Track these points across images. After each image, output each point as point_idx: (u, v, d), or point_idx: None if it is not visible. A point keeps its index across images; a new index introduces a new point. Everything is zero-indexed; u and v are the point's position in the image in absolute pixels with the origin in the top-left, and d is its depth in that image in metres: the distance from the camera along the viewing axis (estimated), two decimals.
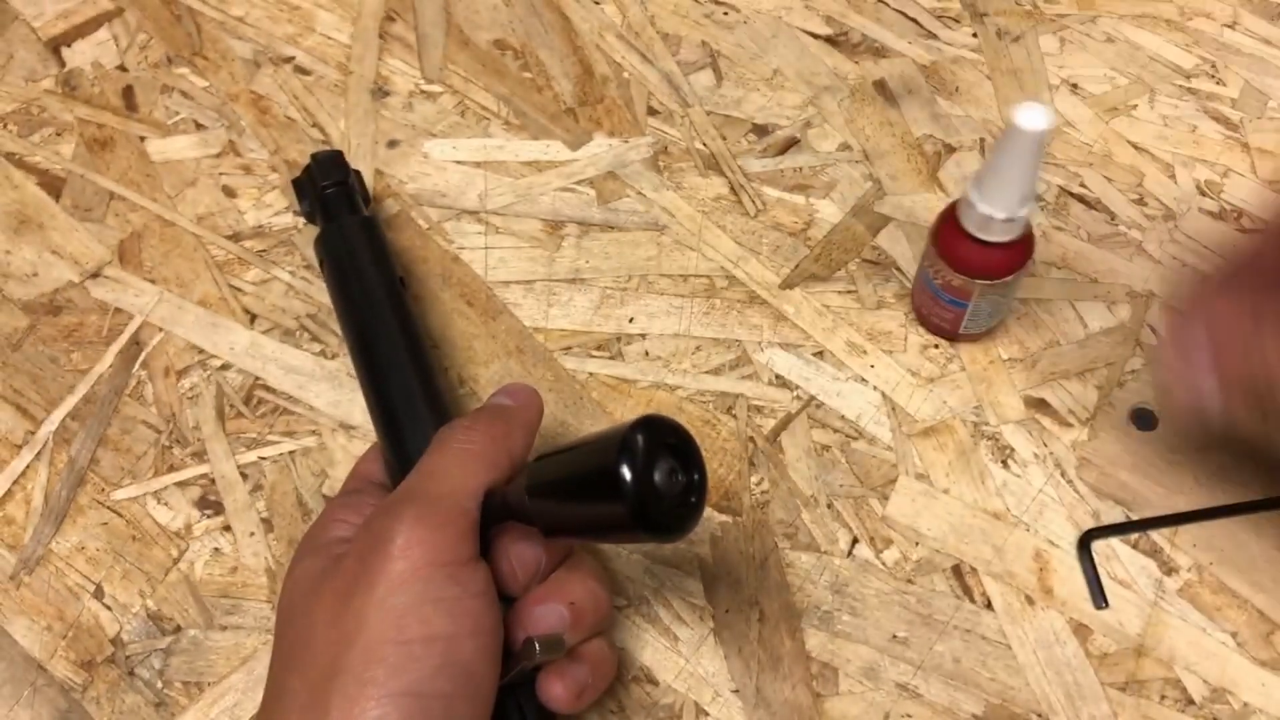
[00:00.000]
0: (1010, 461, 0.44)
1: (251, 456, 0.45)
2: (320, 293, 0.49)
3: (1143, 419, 0.45)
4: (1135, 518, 0.42)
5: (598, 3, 0.58)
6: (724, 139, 0.53)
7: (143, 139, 0.54)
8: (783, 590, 0.41)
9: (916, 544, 0.42)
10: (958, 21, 0.57)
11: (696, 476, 0.31)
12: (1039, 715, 0.39)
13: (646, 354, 0.47)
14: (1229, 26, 0.57)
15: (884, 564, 0.42)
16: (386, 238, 0.46)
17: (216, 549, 0.43)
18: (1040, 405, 0.45)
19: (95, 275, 0.49)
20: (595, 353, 0.47)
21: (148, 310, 0.48)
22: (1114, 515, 0.42)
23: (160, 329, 0.48)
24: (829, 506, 0.43)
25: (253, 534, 0.43)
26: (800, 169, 0.52)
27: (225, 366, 0.47)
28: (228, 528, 0.43)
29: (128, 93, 0.55)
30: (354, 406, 0.46)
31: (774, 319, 0.48)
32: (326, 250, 0.45)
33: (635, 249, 0.50)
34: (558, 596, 0.35)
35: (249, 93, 0.55)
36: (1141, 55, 0.56)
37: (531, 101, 0.55)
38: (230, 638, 0.41)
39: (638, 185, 0.52)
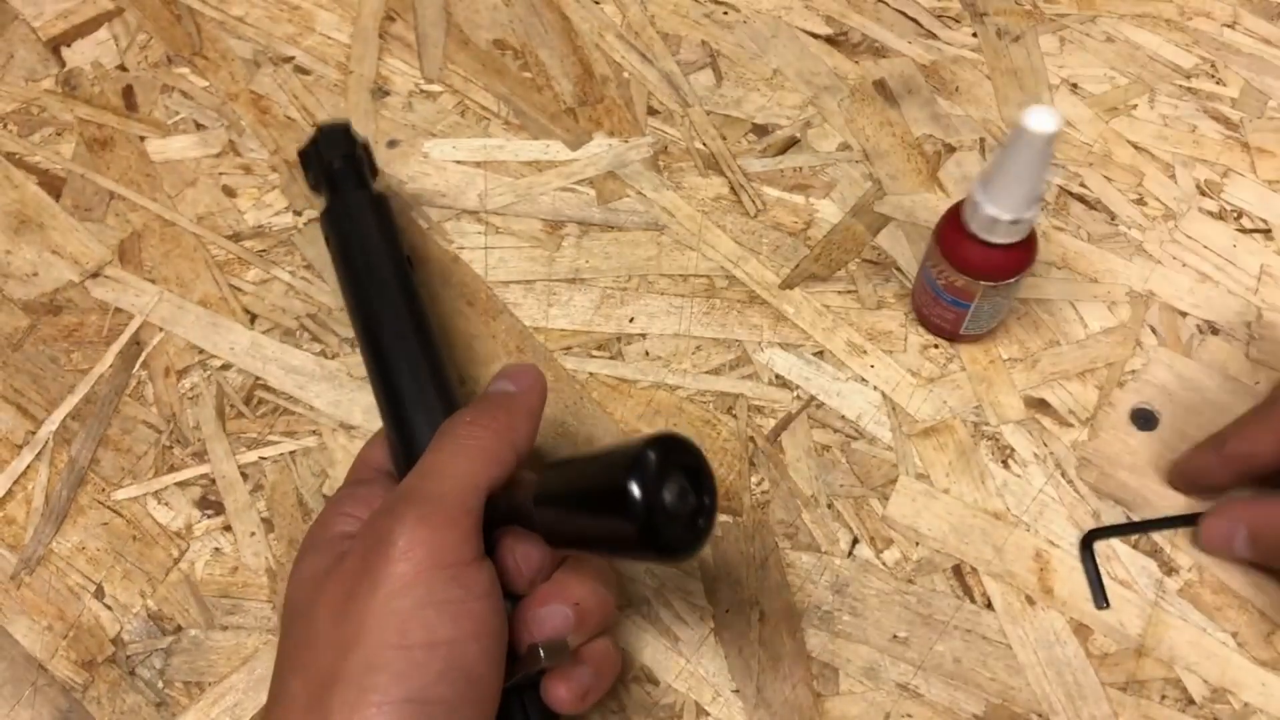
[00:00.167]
0: (1010, 461, 0.44)
1: (252, 456, 0.45)
2: (321, 292, 0.49)
3: (1143, 419, 0.45)
4: (1135, 518, 0.42)
5: (598, 3, 0.58)
6: (724, 139, 0.53)
7: (143, 139, 0.54)
8: (783, 590, 0.41)
9: (917, 544, 0.42)
10: (957, 21, 0.57)
11: (707, 500, 0.30)
12: (1039, 715, 0.39)
13: (647, 354, 0.47)
14: (1229, 26, 0.57)
15: (884, 564, 0.42)
16: (395, 214, 0.44)
17: (217, 549, 0.43)
18: (1040, 405, 0.45)
19: (95, 275, 0.49)
20: (595, 353, 0.47)
21: (148, 310, 0.48)
22: (1114, 515, 0.42)
23: (160, 329, 0.48)
24: (829, 506, 0.43)
25: (253, 534, 0.43)
26: (800, 169, 0.52)
27: (226, 366, 0.47)
28: (228, 528, 0.43)
29: (128, 92, 0.55)
30: (354, 406, 0.46)
31: (774, 319, 0.48)
32: (332, 226, 0.43)
33: (635, 249, 0.50)
34: (562, 597, 0.34)
35: (249, 92, 0.55)
36: (1141, 55, 0.56)
37: (531, 101, 0.55)
38: (231, 638, 0.41)
39: (638, 185, 0.52)
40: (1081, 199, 0.51)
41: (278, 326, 0.48)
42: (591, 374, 0.46)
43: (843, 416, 0.45)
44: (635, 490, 0.28)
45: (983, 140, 0.53)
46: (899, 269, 0.49)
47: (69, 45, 0.57)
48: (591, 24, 0.58)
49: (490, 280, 0.49)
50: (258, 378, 0.46)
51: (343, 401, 0.46)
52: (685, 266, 0.49)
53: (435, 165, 0.53)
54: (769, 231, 0.50)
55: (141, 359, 0.47)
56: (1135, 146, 0.52)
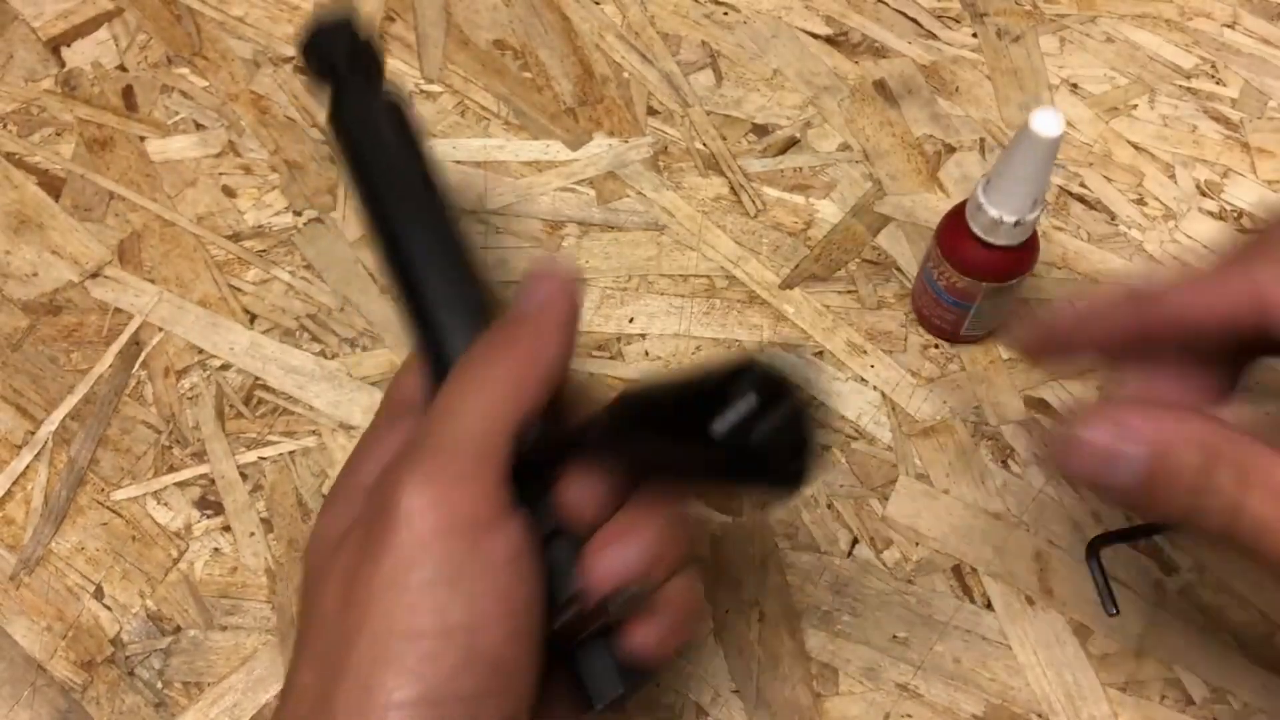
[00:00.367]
0: (1010, 462, 0.44)
1: (251, 457, 0.45)
2: (320, 293, 0.49)
3: None
4: (1137, 520, 0.42)
5: (598, 3, 0.58)
6: (724, 139, 0.53)
7: (142, 139, 0.54)
8: (783, 590, 0.41)
9: (917, 544, 0.42)
10: (958, 21, 0.57)
11: (805, 428, 0.26)
12: (1039, 715, 0.39)
13: (646, 354, 0.47)
14: (1229, 26, 0.57)
15: (884, 564, 0.42)
16: (412, 114, 0.39)
17: (216, 549, 0.43)
18: (1040, 405, 0.45)
19: (95, 275, 0.49)
20: (595, 353, 0.47)
21: (147, 310, 0.48)
22: (1114, 515, 0.42)
23: (160, 329, 0.48)
24: (829, 507, 0.43)
25: (252, 534, 0.43)
26: (800, 169, 0.52)
27: (225, 366, 0.47)
28: (227, 528, 0.43)
29: (127, 93, 0.55)
30: (354, 406, 0.46)
31: (774, 319, 0.48)
32: (341, 131, 0.38)
33: (635, 249, 0.50)
34: (632, 535, 0.29)
35: (249, 93, 0.55)
36: (1141, 55, 0.56)
37: (531, 101, 0.55)
38: (230, 638, 0.41)
39: (638, 185, 0.52)
40: (1081, 199, 0.51)
41: (277, 326, 0.48)
42: (591, 374, 0.46)
43: (842, 416, 0.45)
44: (729, 416, 0.24)
45: (983, 140, 0.53)
46: (899, 269, 0.49)
47: (69, 45, 0.57)
48: (591, 24, 0.58)
49: (490, 281, 0.49)
50: (257, 378, 0.46)
51: (342, 402, 0.46)
52: (685, 267, 0.49)
53: None
54: (769, 231, 0.50)
55: (141, 359, 0.47)
56: (1135, 147, 0.52)
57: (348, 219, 0.50)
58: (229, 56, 0.56)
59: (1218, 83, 0.55)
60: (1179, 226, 0.50)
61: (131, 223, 0.51)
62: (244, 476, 0.44)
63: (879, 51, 0.56)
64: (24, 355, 0.47)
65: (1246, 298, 0.26)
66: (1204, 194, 0.51)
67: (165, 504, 0.44)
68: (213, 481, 0.44)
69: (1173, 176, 0.51)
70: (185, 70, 0.56)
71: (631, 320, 0.48)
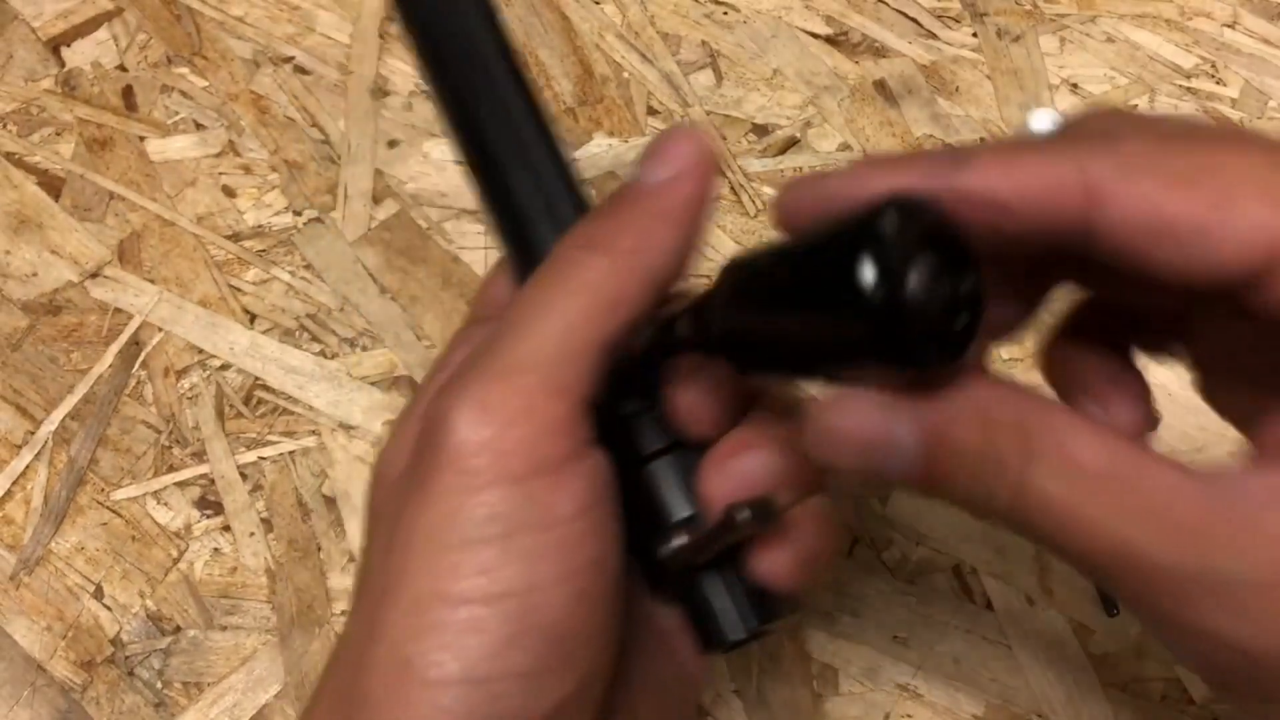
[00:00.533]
0: None
1: (251, 457, 0.45)
2: (320, 292, 0.49)
3: None
4: None
5: (597, 2, 0.58)
6: (724, 139, 0.53)
7: (142, 139, 0.53)
8: None
9: (917, 544, 0.42)
10: (958, 21, 0.57)
11: (971, 283, 0.20)
12: (1040, 715, 0.39)
13: None
14: (1229, 26, 0.57)
15: (884, 564, 0.42)
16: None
17: (216, 549, 0.43)
18: None
19: (95, 275, 0.49)
20: None
21: (147, 310, 0.48)
22: None
23: (160, 329, 0.48)
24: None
25: (252, 534, 0.43)
26: (800, 169, 0.52)
27: (225, 366, 0.47)
28: (227, 528, 0.43)
29: (127, 92, 0.55)
30: (354, 407, 0.46)
31: None
32: (410, 8, 0.32)
33: None
34: (765, 443, 0.25)
35: (249, 92, 0.55)
36: (1141, 55, 0.56)
37: None
38: (230, 638, 0.41)
39: None
40: None
41: (277, 326, 0.48)
42: None
43: None
44: (869, 270, 0.19)
45: (983, 140, 0.53)
46: None
47: (68, 45, 0.57)
48: (591, 24, 0.58)
49: None
50: (257, 378, 0.46)
51: (342, 401, 0.46)
52: None
53: (435, 165, 0.53)
54: (769, 232, 0.50)
55: (141, 359, 0.47)
56: None
57: (347, 219, 0.50)
58: (229, 56, 0.56)
59: (1218, 83, 0.55)
60: None
61: (131, 223, 0.51)
62: (244, 476, 0.44)
63: (879, 51, 0.56)
64: (24, 355, 0.47)
65: (1072, 187, 0.20)
66: None
67: (165, 504, 0.44)
68: (212, 481, 0.44)
69: None
70: (185, 70, 0.56)
71: None
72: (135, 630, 0.41)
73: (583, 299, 0.23)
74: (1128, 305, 0.25)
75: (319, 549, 0.43)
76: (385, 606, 0.22)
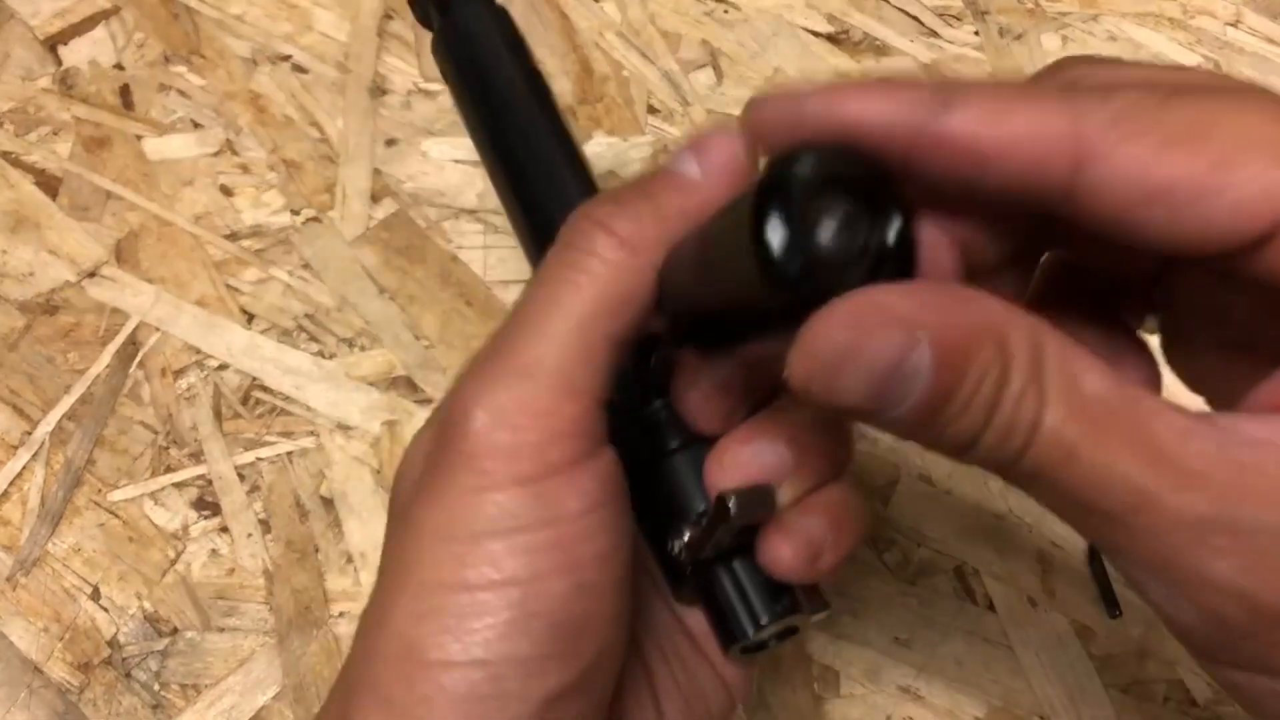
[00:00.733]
0: None
1: (249, 457, 0.44)
2: (319, 292, 0.48)
3: None
4: None
5: (597, 1, 0.58)
6: None
7: (140, 138, 0.53)
8: None
9: (919, 545, 0.42)
10: (959, 20, 0.57)
11: (895, 232, 0.19)
12: (1042, 717, 0.38)
13: None
14: (1232, 25, 0.56)
15: (886, 565, 0.41)
16: (519, 29, 0.37)
17: (214, 550, 0.42)
18: None
19: (92, 275, 0.49)
20: None
21: (145, 310, 0.48)
22: None
23: (157, 329, 0.48)
24: None
25: (250, 535, 0.43)
26: None
27: (222, 367, 0.47)
28: (225, 529, 0.43)
29: (125, 91, 0.55)
30: (352, 407, 0.46)
31: None
32: (450, 50, 0.36)
33: None
34: (771, 433, 0.25)
35: (247, 91, 0.55)
36: (1144, 54, 0.56)
37: None
38: (227, 639, 0.41)
39: None
40: None
41: (275, 326, 0.48)
42: None
43: None
44: (773, 220, 0.18)
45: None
46: None
47: (66, 44, 0.57)
48: (591, 22, 0.57)
49: (489, 280, 0.49)
50: (255, 378, 0.46)
51: (340, 402, 0.46)
52: None
53: (434, 164, 0.52)
54: None
55: (138, 359, 0.47)
56: None
57: (345, 218, 0.50)
58: (227, 55, 0.56)
59: None
60: None
61: (129, 222, 0.51)
62: (241, 477, 0.44)
63: (880, 50, 0.56)
64: (20, 355, 0.47)
65: (1062, 143, 0.18)
66: None
67: (162, 505, 0.43)
68: (210, 482, 0.44)
69: None
70: (183, 69, 0.56)
71: None
72: (132, 632, 0.41)
73: (597, 292, 0.23)
74: (1093, 267, 0.24)
75: (317, 550, 0.43)
76: (393, 594, 0.23)
